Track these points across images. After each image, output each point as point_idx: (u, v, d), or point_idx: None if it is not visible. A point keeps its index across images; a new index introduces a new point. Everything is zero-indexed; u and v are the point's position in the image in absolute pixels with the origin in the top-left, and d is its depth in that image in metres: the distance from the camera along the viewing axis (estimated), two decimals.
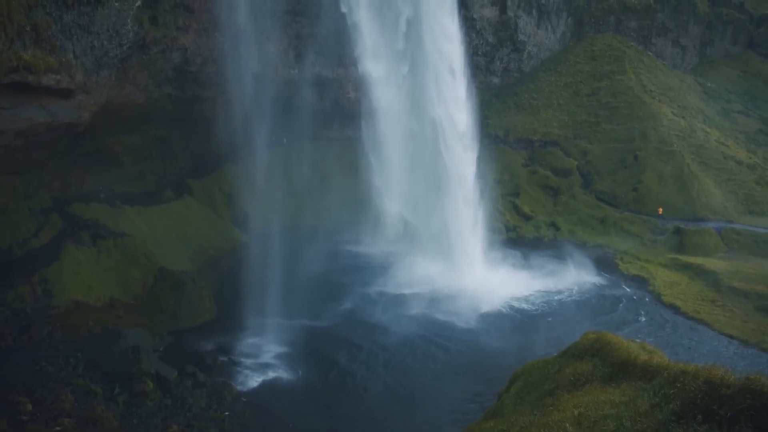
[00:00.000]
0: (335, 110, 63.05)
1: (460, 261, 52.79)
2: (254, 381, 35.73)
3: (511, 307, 46.81)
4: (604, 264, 56.16)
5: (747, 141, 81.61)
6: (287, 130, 59.79)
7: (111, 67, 40.08)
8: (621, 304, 48.13)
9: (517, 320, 44.92)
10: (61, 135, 40.62)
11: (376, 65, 53.72)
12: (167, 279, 43.60)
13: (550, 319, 44.62)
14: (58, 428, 28.45)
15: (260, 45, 53.39)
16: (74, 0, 34.30)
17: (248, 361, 37.78)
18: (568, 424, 12.07)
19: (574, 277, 53.06)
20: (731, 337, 41.94)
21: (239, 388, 34.81)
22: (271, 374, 36.50)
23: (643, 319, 45.39)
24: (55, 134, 39.46)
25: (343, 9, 52.95)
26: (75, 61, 35.95)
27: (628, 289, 50.86)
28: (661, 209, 64.39)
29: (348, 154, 61.45)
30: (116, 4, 37.96)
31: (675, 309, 46.70)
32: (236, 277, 45.75)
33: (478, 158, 57.48)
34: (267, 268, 43.28)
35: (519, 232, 64.24)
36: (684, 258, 55.82)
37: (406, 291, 48.62)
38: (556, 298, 49.02)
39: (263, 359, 38.10)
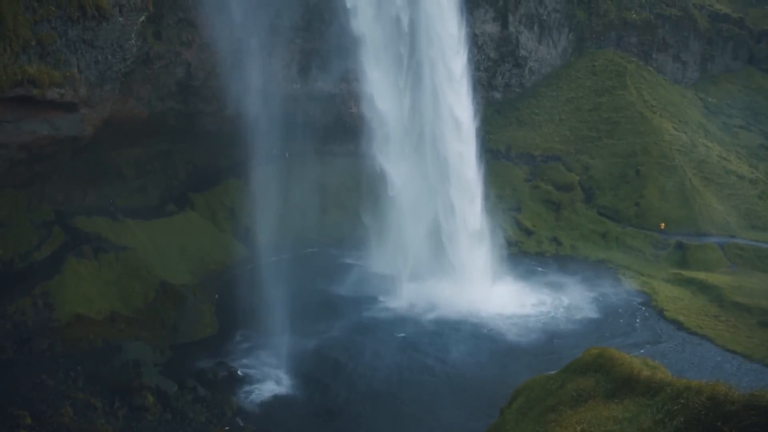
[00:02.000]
0: (338, 125, 63.36)
1: (462, 277, 52.64)
2: (255, 396, 35.53)
3: (514, 324, 46.54)
4: (606, 279, 55.97)
5: (749, 156, 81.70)
6: (289, 144, 59.89)
7: (114, 81, 40.32)
8: (623, 320, 47.90)
9: (519, 337, 44.61)
10: (65, 148, 40.77)
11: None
12: (168, 293, 43.55)
13: (555, 340, 44.22)
14: None
15: (263, 60, 53.67)
16: (79, 15, 34.58)
17: (249, 376, 37.57)
18: None
19: (576, 293, 52.85)
20: (735, 352, 41.66)
21: (240, 403, 34.63)
22: (272, 390, 36.29)
23: (646, 334, 45.15)
24: (58, 147, 39.61)
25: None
26: (79, 75, 36.19)
27: (630, 304, 50.63)
28: (663, 224, 64.29)
29: (350, 168, 61.55)
30: (121, 19, 38.27)
31: (678, 324, 46.46)
32: (238, 292, 45.71)
33: (481, 174, 57.47)
34: (268, 283, 43.23)
35: (521, 247, 64.09)
36: (686, 273, 55.65)
37: (409, 307, 48.47)
38: (558, 314, 48.78)
39: (264, 375, 37.89)
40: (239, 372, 37.84)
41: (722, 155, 77.32)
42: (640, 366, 15.21)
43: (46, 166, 42.33)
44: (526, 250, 63.81)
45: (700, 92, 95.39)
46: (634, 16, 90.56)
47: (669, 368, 17.48)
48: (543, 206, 69.98)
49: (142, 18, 40.62)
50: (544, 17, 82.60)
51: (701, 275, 54.67)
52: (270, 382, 37.07)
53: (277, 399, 35.47)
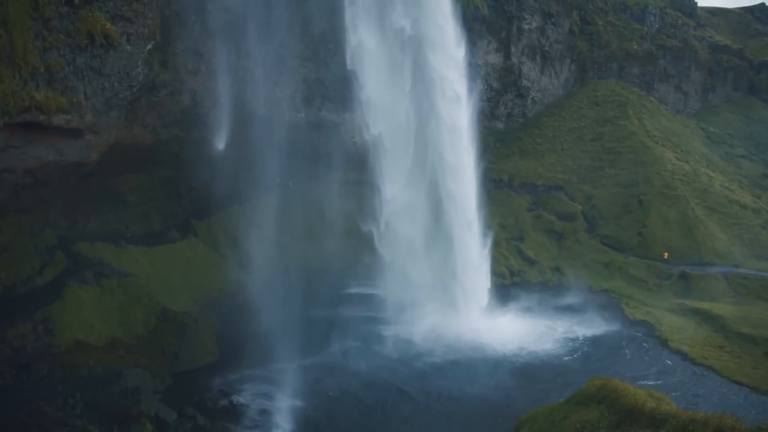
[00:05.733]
0: (340, 154, 63.72)
1: (463, 306, 52.36)
2: (255, 425, 35.09)
3: (515, 354, 46.08)
4: (609, 309, 55.61)
5: (751, 185, 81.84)
6: (292, 172, 60.23)
7: (120, 108, 40.69)
8: (627, 350, 47.44)
9: (520, 367, 44.16)
10: (69, 174, 41.00)
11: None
12: (169, 319, 43.35)
13: (558, 371, 43.63)
14: None
15: (267, 89, 54.25)
16: (87, 43, 35.06)
17: (249, 406, 37.15)
18: None
19: (578, 323, 52.50)
20: (741, 384, 41.10)
21: None
22: (272, 420, 35.84)
23: (650, 364, 44.67)
24: (63, 173, 39.84)
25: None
26: (86, 102, 36.53)
27: (633, 335, 50.18)
28: (666, 254, 64.08)
29: (352, 197, 61.70)
30: (128, 47, 38.78)
31: (682, 355, 45.97)
32: (239, 319, 45.48)
33: (483, 202, 57.54)
34: (269, 311, 43.01)
35: (524, 277, 63.87)
36: (690, 303, 55.24)
37: (410, 336, 48.12)
38: (560, 344, 48.32)
39: (265, 403, 37.49)
40: (239, 401, 37.46)
41: (725, 185, 77.43)
42: (644, 397, 15.06)
43: (51, 192, 42.51)
44: (529, 279, 63.58)
45: (702, 122, 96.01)
46: (636, 47, 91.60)
47: (673, 399, 17.32)
48: (546, 236, 69.91)
49: (149, 46, 41.14)
50: (547, 48, 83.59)
51: (705, 305, 54.27)
52: (270, 411, 36.64)
53: (276, 428, 35.02)
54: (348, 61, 53.26)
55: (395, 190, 54.39)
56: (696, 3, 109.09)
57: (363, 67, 52.86)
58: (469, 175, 56.06)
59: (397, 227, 54.14)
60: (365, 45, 52.39)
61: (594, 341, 49.04)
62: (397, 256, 54.48)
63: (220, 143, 51.81)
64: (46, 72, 32.95)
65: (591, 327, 51.70)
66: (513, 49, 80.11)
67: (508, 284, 61.52)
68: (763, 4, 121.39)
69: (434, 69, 54.39)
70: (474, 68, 67.20)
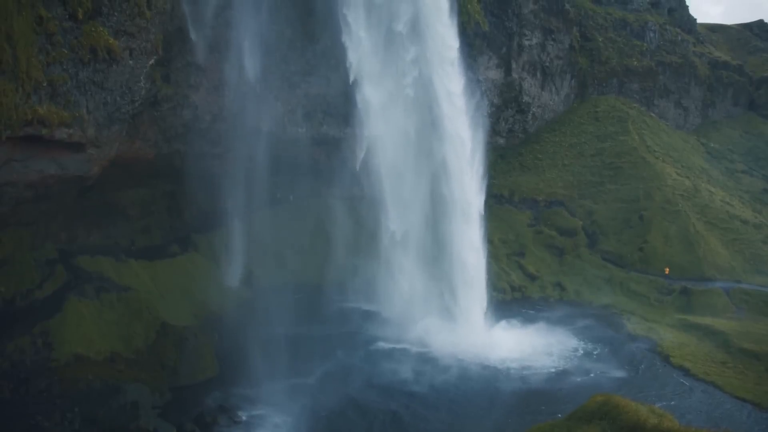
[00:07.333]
0: (342, 169, 64.02)
1: (463, 322, 52.15)
2: None
3: (516, 371, 45.71)
4: (610, 325, 55.41)
5: (752, 200, 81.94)
6: (294, 187, 60.32)
7: (122, 123, 40.86)
8: (628, 366, 47.19)
9: (521, 384, 43.83)
10: (71, 187, 41.09)
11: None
12: (169, 334, 43.18)
13: (560, 386, 43.30)
14: None
15: (269, 103, 54.46)
16: (90, 58, 35.32)
17: (249, 422, 36.90)
18: None
19: (580, 338, 52.28)
20: (744, 400, 40.82)
21: None
22: None
23: (652, 380, 44.43)
24: (64, 187, 39.92)
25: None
26: (88, 116, 36.71)
27: (635, 350, 49.95)
28: (667, 269, 63.99)
29: (354, 212, 61.80)
30: (130, 62, 39.05)
31: (684, 371, 45.72)
32: (239, 334, 45.33)
33: (483, 218, 57.51)
34: (269, 326, 42.83)
35: (524, 293, 63.73)
36: (692, 318, 55.07)
37: (409, 354, 47.85)
38: (562, 359, 48.07)
39: (264, 419, 37.24)
40: (238, 417, 37.21)
41: (725, 200, 77.51)
42: (646, 414, 14.95)
43: (51, 205, 42.55)
44: (530, 295, 63.45)
45: (702, 137, 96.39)
46: (636, 63, 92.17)
47: (676, 416, 17.16)
48: (547, 251, 69.82)
49: (152, 61, 41.42)
50: (547, 64, 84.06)
51: (707, 321, 54.11)
52: (268, 426, 36.41)
53: None
54: (357, 129, 53.77)
55: (411, 279, 54.36)
56: (695, 19, 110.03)
57: (373, 132, 53.44)
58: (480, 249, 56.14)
59: (412, 312, 53.93)
60: (372, 105, 52.92)
61: (595, 356, 48.81)
62: (396, 269, 54.47)
63: (222, 158, 51.85)
64: (48, 86, 33.18)
65: (592, 343, 51.47)
66: (514, 65, 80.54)
67: (509, 300, 61.37)
68: (761, 20, 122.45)
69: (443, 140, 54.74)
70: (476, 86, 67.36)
